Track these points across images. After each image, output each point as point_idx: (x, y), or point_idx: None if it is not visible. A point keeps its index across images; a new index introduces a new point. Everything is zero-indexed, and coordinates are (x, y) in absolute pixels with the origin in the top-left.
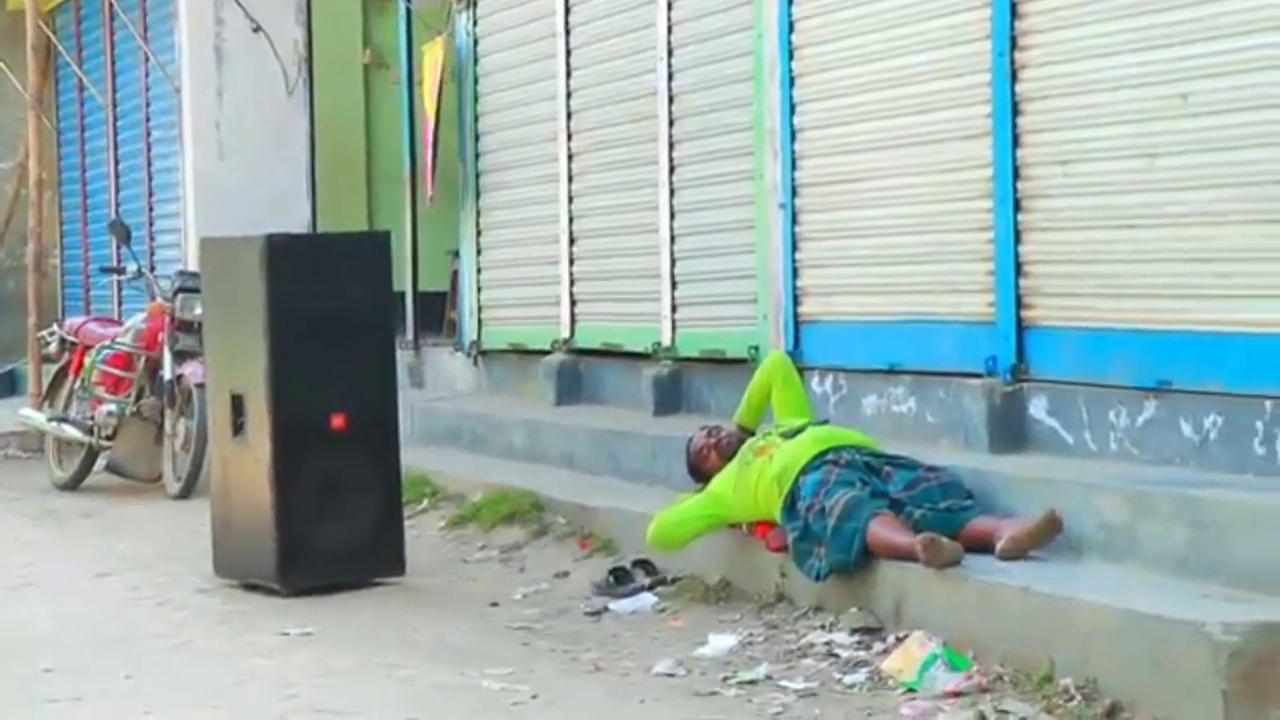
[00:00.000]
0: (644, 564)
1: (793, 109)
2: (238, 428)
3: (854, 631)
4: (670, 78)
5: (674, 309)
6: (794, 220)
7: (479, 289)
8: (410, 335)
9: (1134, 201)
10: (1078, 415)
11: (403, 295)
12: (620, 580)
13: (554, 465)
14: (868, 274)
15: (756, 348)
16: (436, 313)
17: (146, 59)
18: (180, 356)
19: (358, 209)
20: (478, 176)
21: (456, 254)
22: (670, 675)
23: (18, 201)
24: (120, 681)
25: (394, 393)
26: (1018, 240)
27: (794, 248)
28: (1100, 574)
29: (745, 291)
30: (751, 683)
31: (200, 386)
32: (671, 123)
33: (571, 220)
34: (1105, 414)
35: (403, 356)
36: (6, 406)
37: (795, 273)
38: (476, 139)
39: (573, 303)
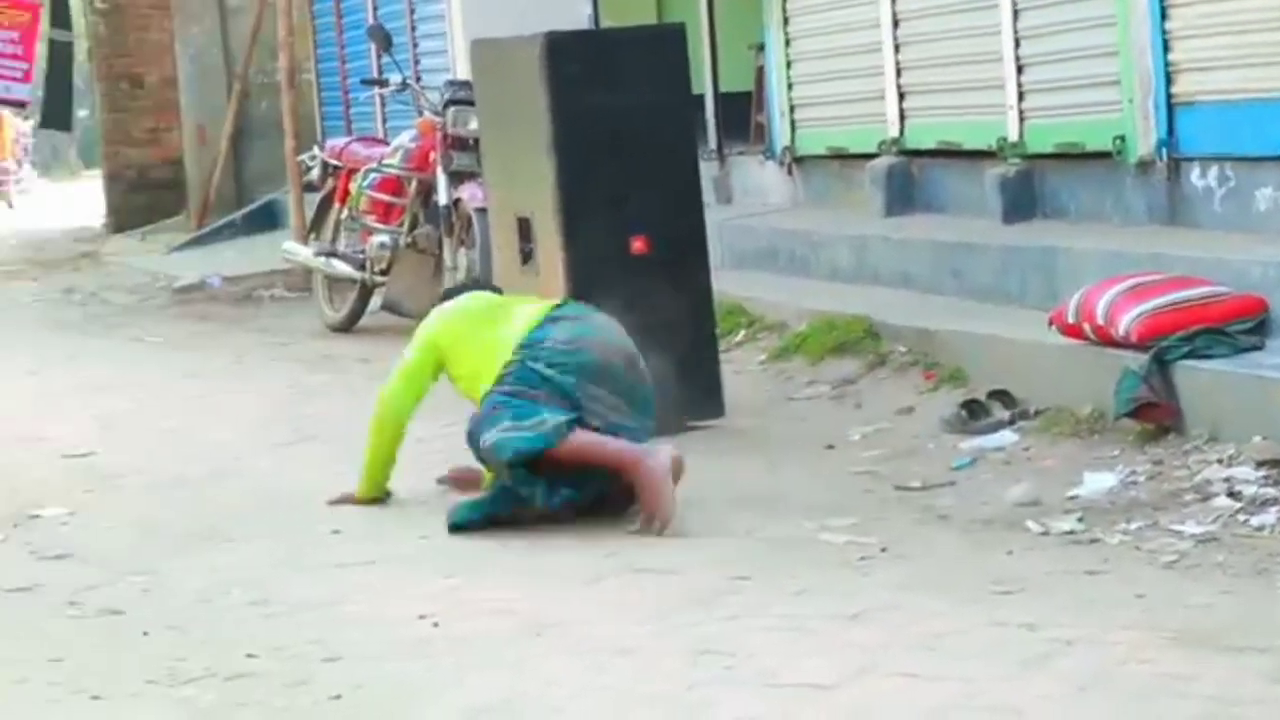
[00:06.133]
0: (1001, 395)
1: None
2: (526, 256)
3: (1260, 465)
4: None
5: (1021, 97)
6: None
7: (789, 86)
8: (713, 144)
9: None
10: None
11: (701, 98)
12: (974, 415)
13: (887, 285)
14: (1257, 41)
15: (1122, 138)
16: (741, 117)
17: None
18: (455, 178)
19: (644, 1)
20: None
21: (761, 47)
22: (1040, 522)
23: (265, 9)
24: (414, 542)
25: (700, 210)
26: None
27: (1163, 15)
28: None
29: (1106, 72)
30: (1137, 528)
31: (481, 211)
32: None
33: None
34: None
35: (706, 168)
36: (268, 241)
37: (1166, 45)
38: None
39: (901, 96)
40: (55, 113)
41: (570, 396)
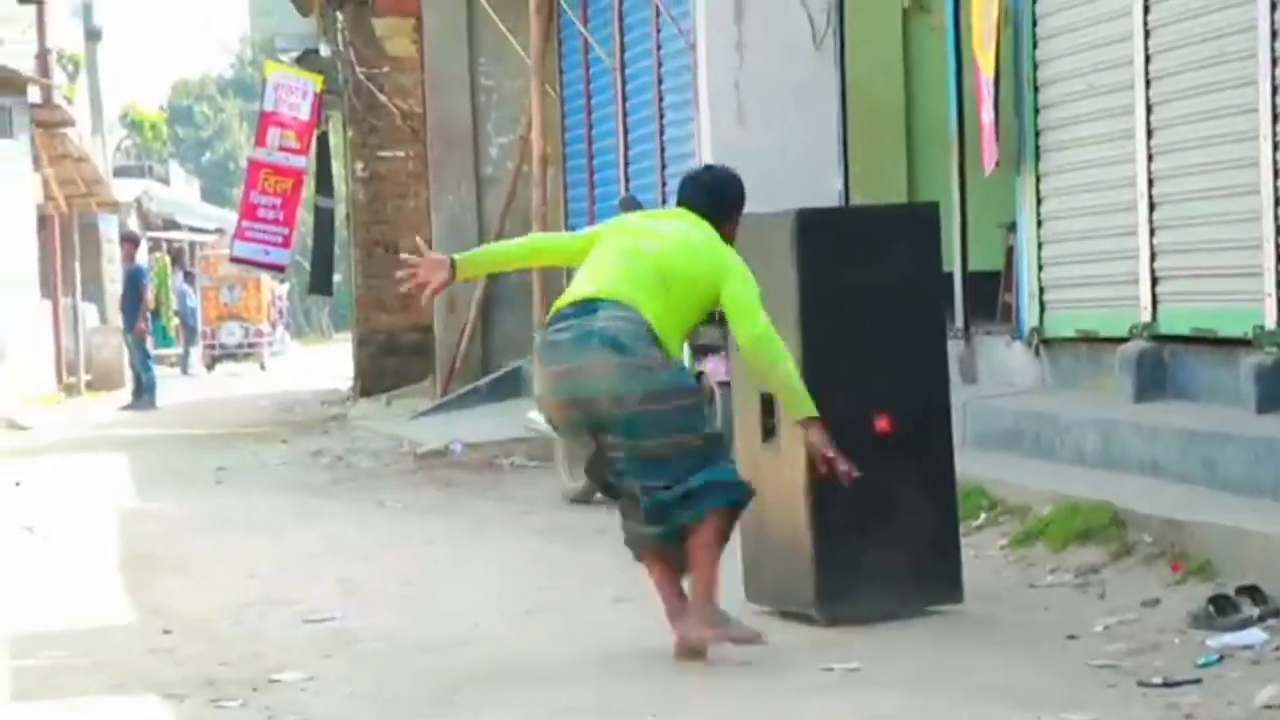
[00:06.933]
0: (1251, 591)
1: None
2: (768, 432)
3: None
4: (1274, 8)
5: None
6: None
7: (1039, 267)
8: (960, 322)
9: None
10: None
11: (950, 276)
12: (1222, 610)
13: (1135, 473)
14: None
15: None
16: (990, 296)
17: (658, 13)
18: (700, 351)
19: (896, 177)
20: (1036, 135)
21: (1012, 227)
22: None
23: (519, 179)
24: None
25: (946, 392)
26: None
27: None
28: None
29: None
30: None
31: (724, 385)
32: (1275, 62)
33: (1151, 183)
34: None
35: (952, 347)
36: (512, 410)
37: None
38: (1035, 92)
39: (1154, 281)
40: (320, 278)
41: None
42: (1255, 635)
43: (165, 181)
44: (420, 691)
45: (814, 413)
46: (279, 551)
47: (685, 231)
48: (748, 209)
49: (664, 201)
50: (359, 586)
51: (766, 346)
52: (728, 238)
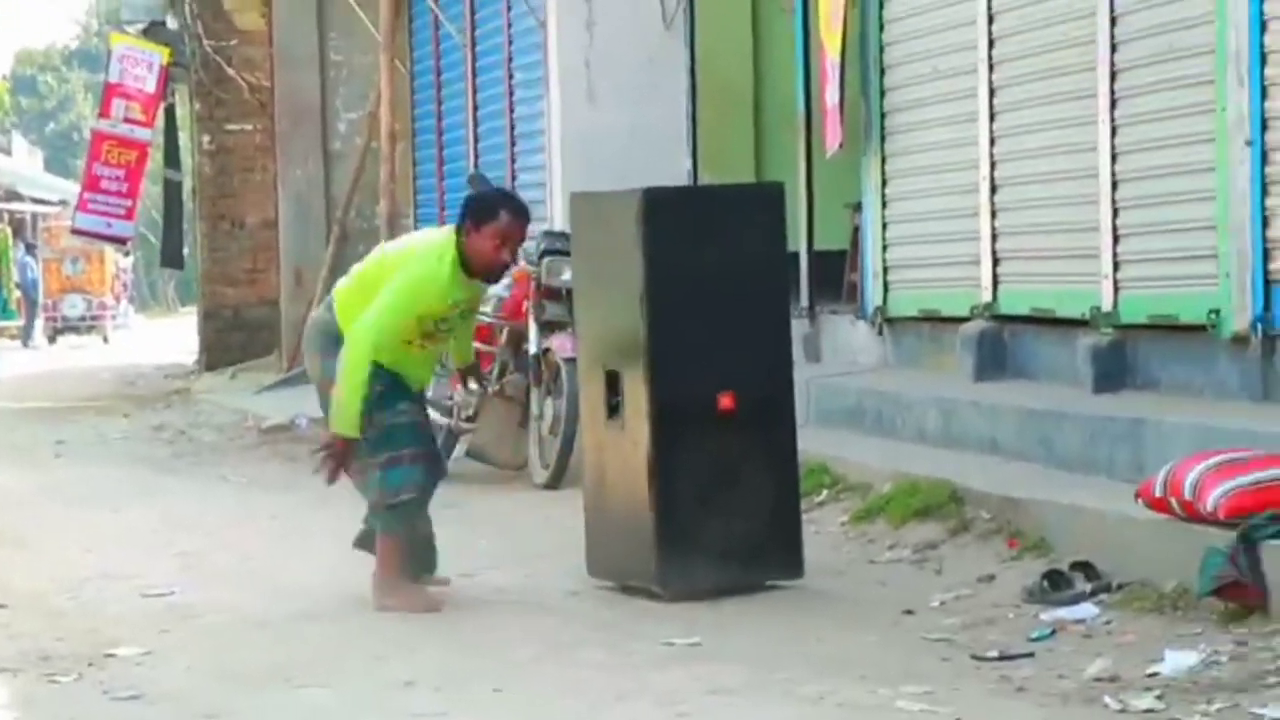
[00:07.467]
0: (1084, 567)
1: (1263, 26)
2: (612, 409)
3: None
4: None
5: (1116, 267)
6: (1263, 159)
7: (884, 247)
8: (805, 301)
9: None
10: None
11: (796, 256)
12: (1056, 585)
13: (974, 451)
14: None
15: (1217, 312)
16: (835, 275)
17: None
18: (547, 328)
19: (744, 158)
20: (882, 118)
21: (858, 207)
22: (1118, 698)
23: (368, 155)
24: (487, 695)
25: (789, 368)
26: None
27: (1263, 192)
28: None
29: (1203, 246)
30: (1219, 709)
31: (570, 362)
32: (1114, 48)
33: (993, 166)
34: None
35: (796, 326)
36: None
37: (1265, 222)
38: (881, 74)
39: (995, 261)
40: (170, 251)
41: None
42: (1087, 609)
43: (7, 152)
44: (259, 666)
45: (344, 432)
46: (118, 526)
47: (403, 244)
48: (596, 187)
49: (513, 179)
50: (199, 561)
51: (346, 354)
52: (477, 245)
